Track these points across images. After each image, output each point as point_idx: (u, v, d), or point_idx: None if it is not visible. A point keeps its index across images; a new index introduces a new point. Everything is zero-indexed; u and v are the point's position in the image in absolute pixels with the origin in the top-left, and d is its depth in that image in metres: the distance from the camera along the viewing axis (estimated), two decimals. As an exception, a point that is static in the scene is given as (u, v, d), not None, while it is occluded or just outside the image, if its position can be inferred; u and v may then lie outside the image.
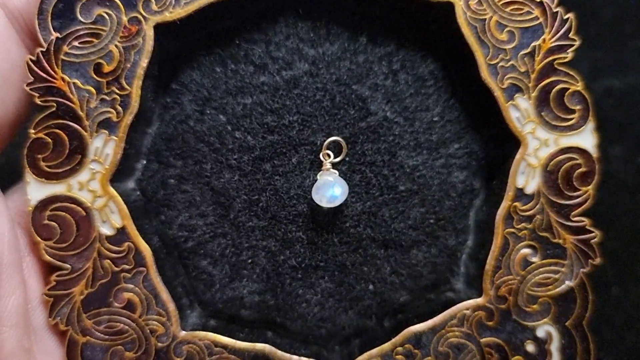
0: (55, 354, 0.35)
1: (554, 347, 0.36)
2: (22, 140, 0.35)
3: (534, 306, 0.36)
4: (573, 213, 0.36)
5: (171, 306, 0.35)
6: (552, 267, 0.36)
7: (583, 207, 0.36)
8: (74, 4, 0.35)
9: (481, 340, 0.36)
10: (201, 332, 0.36)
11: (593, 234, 0.36)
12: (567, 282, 0.36)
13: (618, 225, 0.49)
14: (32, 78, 0.35)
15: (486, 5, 0.36)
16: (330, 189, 0.36)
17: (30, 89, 0.34)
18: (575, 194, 0.36)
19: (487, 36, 0.36)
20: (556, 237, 0.36)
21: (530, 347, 0.36)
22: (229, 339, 0.36)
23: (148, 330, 0.35)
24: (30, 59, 0.35)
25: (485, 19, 0.36)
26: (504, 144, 0.37)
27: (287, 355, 0.36)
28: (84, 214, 0.35)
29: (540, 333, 0.37)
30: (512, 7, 0.36)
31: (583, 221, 0.36)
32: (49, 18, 0.35)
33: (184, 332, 0.36)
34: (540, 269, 0.36)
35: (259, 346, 0.36)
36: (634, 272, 0.49)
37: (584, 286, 0.37)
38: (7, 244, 0.34)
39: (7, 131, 0.36)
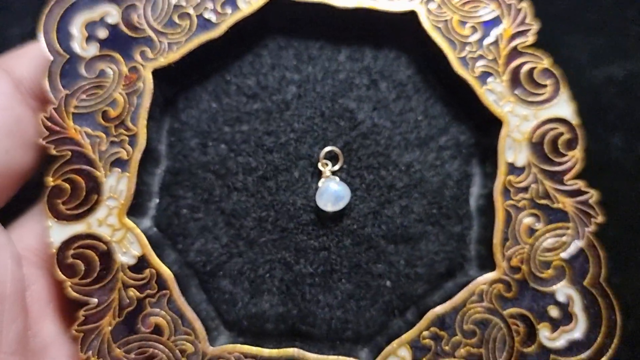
0: None
1: (577, 308, 0.37)
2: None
3: (549, 271, 0.37)
4: (566, 177, 0.38)
5: (197, 324, 0.36)
6: (558, 231, 0.37)
7: (574, 170, 0.38)
8: (78, 63, 0.39)
9: (504, 312, 0.37)
10: (229, 345, 0.36)
11: (590, 194, 0.38)
12: (576, 242, 0.37)
13: (619, 214, 0.47)
14: (47, 132, 0.38)
15: (445, 8, 0.40)
16: (332, 190, 0.38)
17: (47, 142, 0.38)
18: (563, 159, 0.38)
19: (452, 34, 0.40)
20: (555, 203, 0.38)
21: (554, 312, 0.37)
22: (258, 348, 0.36)
23: (178, 352, 0.36)
24: (44, 116, 0.38)
25: (447, 20, 0.40)
26: (488, 128, 0.40)
27: (316, 355, 0.36)
28: (105, 248, 0.37)
29: (561, 297, 0.37)
30: (469, 6, 0.40)
31: (577, 184, 0.38)
32: (58, 78, 0.38)
33: (212, 347, 0.36)
34: (547, 235, 0.37)
35: (289, 351, 0.36)
36: (634, 261, 0.48)
37: (593, 245, 0.37)
38: (10, 275, 0.36)
39: (14, 180, 0.39)
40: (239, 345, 0.36)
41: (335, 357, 0.36)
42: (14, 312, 0.35)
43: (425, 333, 0.36)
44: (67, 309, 0.38)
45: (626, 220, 0.48)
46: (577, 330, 0.36)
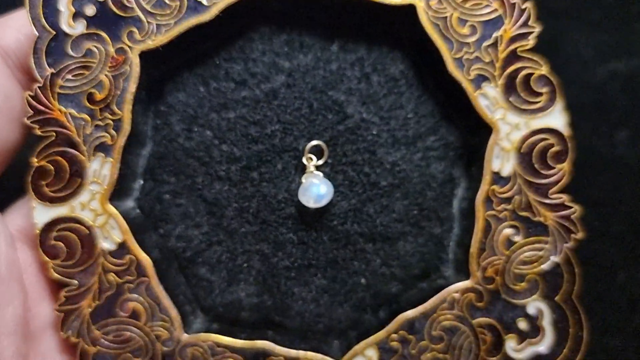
0: (49, 358, 0.37)
1: (546, 322, 0.37)
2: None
3: (522, 284, 0.37)
4: (551, 191, 0.38)
5: (173, 312, 0.38)
6: (536, 245, 0.37)
7: (560, 184, 0.38)
8: (64, 41, 0.38)
9: (473, 321, 0.37)
10: (203, 334, 0.38)
11: (573, 209, 0.37)
12: (552, 258, 0.37)
13: (624, 210, 0.48)
14: (32, 112, 0.38)
15: (446, 3, 0.38)
16: (315, 189, 0.38)
17: (31, 122, 0.38)
18: (550, 172, 0.38)
19: (450, 32, 0.38)
20: (536, 216, 0.38)
21: (522, 325, 0.37)
22: (230, 339, 0.37)
23: (154, 336, 0.37)
24: (30, 95, 0.38)
25: (446, 17, 0.38)
26: (478, 131, 0.39)
27: (285, 349, 0.37)
28: (87, 232, 0.38)
29: (531, 310, 0.37)
30: (471, 3, 0.38)
31: (561, 198, 0.38)
32: (43, 56, 0.38)
33: (187, 335, 0.37)
34: (524, 248, 0.37)
35: (259, 343, 0.37)
36: (639, 256, 0.48)
37: (569, 261, 0.37)
38: (4, 258, 0.36)
39: (3, 157, 0.39)
40: (213, 334, 0.38)
41: (304, 352, 0.37)
42: (10, 294, 0.36)
43: (394, 336, 0.37)
44: (56, 290, 0.39)
45: (631, 216, 0.49)
46: (543, 344, 0.37)
